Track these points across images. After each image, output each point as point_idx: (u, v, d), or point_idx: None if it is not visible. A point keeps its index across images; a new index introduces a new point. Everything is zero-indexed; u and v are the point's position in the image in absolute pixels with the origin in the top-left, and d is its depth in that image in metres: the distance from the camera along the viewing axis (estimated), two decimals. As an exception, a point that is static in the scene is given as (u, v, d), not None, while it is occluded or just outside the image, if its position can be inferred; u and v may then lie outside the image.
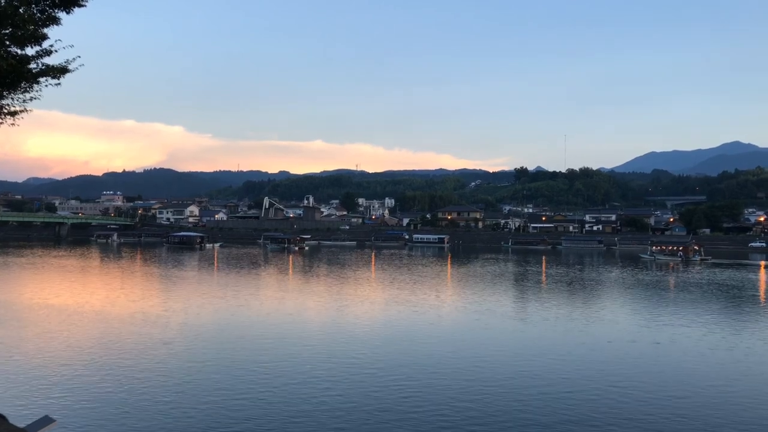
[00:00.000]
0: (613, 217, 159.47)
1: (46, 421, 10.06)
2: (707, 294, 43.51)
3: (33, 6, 10.78)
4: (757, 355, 22.87)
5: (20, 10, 10.57)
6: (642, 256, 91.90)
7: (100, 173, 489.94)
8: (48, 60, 11.62)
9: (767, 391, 18.33)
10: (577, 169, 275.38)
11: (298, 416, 15.27)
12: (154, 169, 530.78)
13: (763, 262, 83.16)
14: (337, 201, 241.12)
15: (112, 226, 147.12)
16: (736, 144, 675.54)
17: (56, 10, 10.99)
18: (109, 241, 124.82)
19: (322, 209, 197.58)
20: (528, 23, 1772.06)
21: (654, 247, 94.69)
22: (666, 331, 27.29)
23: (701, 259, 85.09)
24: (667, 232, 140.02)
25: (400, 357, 21.77)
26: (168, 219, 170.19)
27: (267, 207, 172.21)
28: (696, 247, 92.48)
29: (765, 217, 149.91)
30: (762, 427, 15.11)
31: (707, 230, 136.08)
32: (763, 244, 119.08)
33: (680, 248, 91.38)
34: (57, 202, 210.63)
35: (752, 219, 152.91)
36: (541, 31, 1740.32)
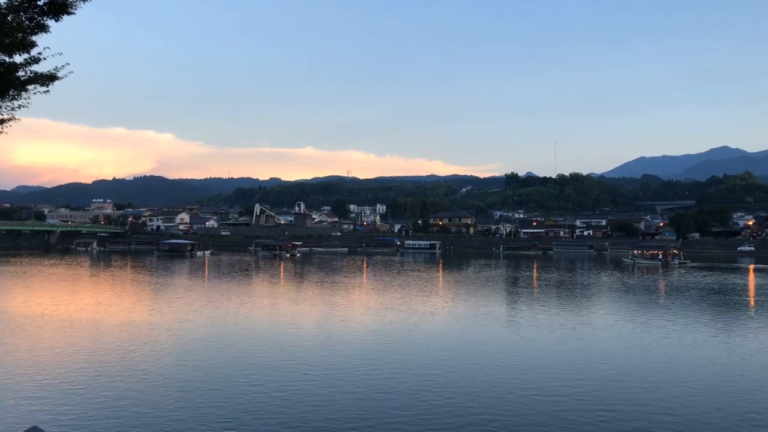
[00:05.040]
0: (604, 222, 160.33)
1: (35, 432, 9.96)
2: (672, 296, 44.12)
3: (21, 14, 10.73)
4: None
5: (8, 17, 10.52)
6: (624, 260, 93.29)
7: (89, 181, 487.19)
8: (36, 67, 11.58)
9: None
10: (568, 175, 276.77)
11: (293, 422, 15.19)
12: (145, 176, 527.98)
13: (752, 266, 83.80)
14: (328, 207, 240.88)
15: (102, 234, 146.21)
16: (725, 149, 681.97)
17: (45, 18, 10.94)
18: (89, 249, 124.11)
19: (313, 216, 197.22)
20: (519, 31, 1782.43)
21: (635, 251, 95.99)
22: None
23: (680, 263, 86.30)
24: (657, 237, 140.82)
25: (394, 362, 21.71)
26: (158, 227, 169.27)
27: (258, 214, 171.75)
28: (675, 251, 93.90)
29: (753, 221, 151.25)
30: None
31: (697, 235, 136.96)
32: (752, 248, 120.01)
33: (660, 252, 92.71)
34: (46, 211, 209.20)
35: (741, 223, 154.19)
36: (531, 39, 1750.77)
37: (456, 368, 21.08)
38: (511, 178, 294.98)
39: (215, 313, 34.12)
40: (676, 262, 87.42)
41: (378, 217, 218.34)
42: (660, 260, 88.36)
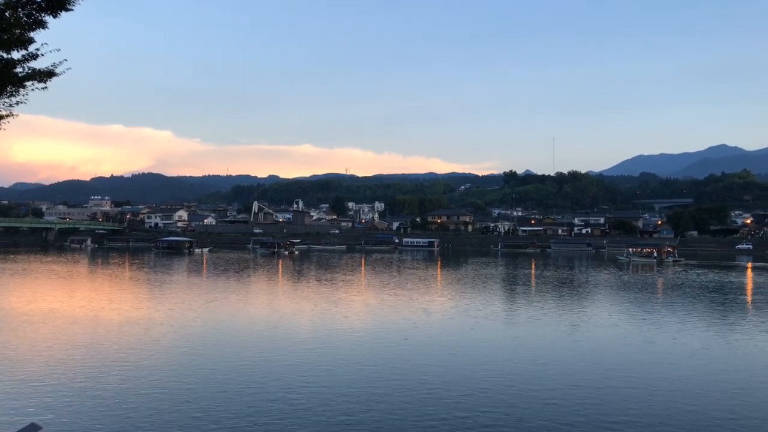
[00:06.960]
0: (602, 220, 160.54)
1: (33, 428, 9.95)
2: (668, 293, 44.27)
3: (19, 10, 10.70)
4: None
5: (6, 13, 10.49)
6: (619, 257, 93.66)
7: (87, 178, 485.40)
8: (34, 64, 11.53)
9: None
10: (566, 173, 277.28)
11: (292, 420, 15.19)
12: (143, 173, 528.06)
13: (749, 264, 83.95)
14: (326, 205, 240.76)
15: (100, 231, 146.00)
16: (723, 147, 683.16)
17: (43, 14, 10.91)
18: (83, 246, 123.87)
19: (311, 213, 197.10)
20: (517, 29, 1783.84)
21: (630, 249, 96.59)
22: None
23: (674, 261, 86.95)
24: (655, 235, 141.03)
25: (394, 360, 21.73)
26: (156, 224, 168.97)
27: (256, 211, 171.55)
28: (670, 249, 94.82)
29: (751, 219, 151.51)
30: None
31: (695, 233, 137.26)
32: (750, 246, 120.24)
33: (655, 250, 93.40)
34: (44, 208, 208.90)
35: (739, 221, 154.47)
36: (529, 37, 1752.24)
37: (456, 366, 21.09)
38: (510, 176, 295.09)
39: (214, 311, 34.11)
40: (671, 260, 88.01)
41: (376, 215, 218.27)
42: (655, 258, 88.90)
